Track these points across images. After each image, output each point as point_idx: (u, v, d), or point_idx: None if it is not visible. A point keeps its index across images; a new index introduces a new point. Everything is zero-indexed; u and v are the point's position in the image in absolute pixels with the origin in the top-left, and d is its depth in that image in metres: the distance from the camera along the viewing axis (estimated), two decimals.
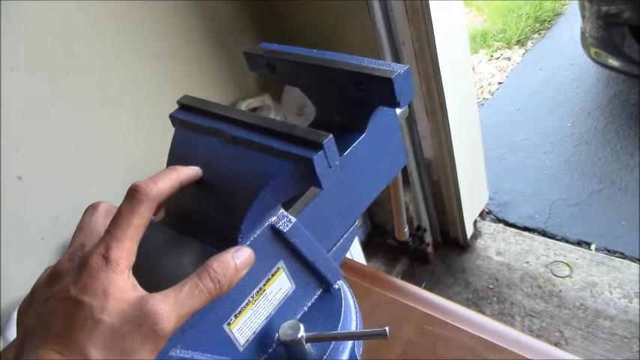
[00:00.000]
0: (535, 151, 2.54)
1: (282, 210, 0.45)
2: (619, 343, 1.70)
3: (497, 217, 2.28)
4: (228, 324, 0.43)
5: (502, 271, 2.05)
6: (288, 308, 0.49)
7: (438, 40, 1.57)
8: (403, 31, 1.59)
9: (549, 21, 3.55)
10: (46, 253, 1.45)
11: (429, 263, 2.17)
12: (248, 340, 0.46)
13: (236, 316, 0.44)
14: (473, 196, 2.10)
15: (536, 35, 3.47)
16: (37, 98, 1.34)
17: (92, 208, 0.43)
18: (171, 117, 0.51)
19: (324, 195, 0.49)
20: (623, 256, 1.95)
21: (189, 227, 0.45)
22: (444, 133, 1.81)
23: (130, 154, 1.58)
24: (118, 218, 0.37)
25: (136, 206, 0.38)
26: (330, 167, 0.42)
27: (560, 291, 1.90)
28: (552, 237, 2.12)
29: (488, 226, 2.25)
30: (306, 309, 0.52)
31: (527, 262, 2.04)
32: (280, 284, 0.47)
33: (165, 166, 0.45)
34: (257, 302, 0.45)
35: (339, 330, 0.50)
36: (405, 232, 0.70)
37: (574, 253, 2.02)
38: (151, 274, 0.41)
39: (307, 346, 0.48)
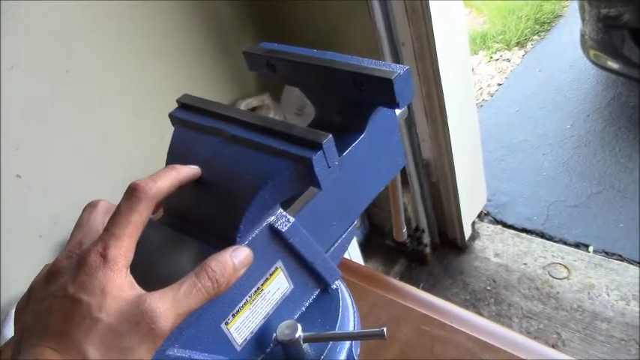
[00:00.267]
0: (534, 152, 2.54)
1: (280, 210, 0.45)
2: (616, 345, 1.70)
3: (495, 219, 2.28)
4: (226, 323, 0.43)
5: (500, 272, 2.05)
6: (285, 308, 0.49)
7: (438, 40, 1.58)
8: (403, 32, 1.59)
9: (549, 23, 3.55)
10: (45, 252, 1.45)
11: (426, 264, 2.17)
12: (246, 339, 0.46)
13: (234, 316, 0.44)
14: (471, 197, 2.10)
15: (535, 37, 3.47)
16: (37, 97, 1.34)
17: (91, 206, 0.43)
18: (171, 116, 0.51)
19: (322, 195, 0.49)
20: (621, 258, 1.96)
21: (188, 226, 0.45)
22: (443, 135, 1.81)
23: (130, 154, 1.58)
24: (116, 216, 0.37)
25: (134, 204, 0.38)
26: (329, 167, 0.42)
27: (558, 293, 1.91)
28: (550, 239, 2.12)
29: (486, 228, 2.25)
30: (303, 309, 0.52)
31: (525, 264, 2.04)
32: (278, 284, 0.47)
33: (164, 165, 0.45)
34: (255, 302, 0.45)
35: (337, 330, 0.50)
36: (403, 233, 0.71)
37: (572, 255, 2.02)
38: (150, 272, 0.41)
39: (305, 346, 0.48)
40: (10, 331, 1.26)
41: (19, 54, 1.28)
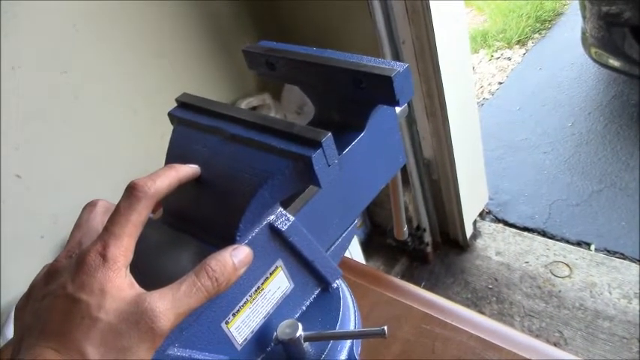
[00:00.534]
0: (535, 151, 2.54)
1: (280, 209, 0.45)
2: (618, 343, 1.70)
3: (496, 217, 2.28)
4: (226, 322, 0.43)
5: (501, 271, 2.05)
6: (286, 307, 0.49)
7: (439, 39, 1.57)
8: (403, 31, 1.59)
9: (550, 21, 3.55)
10: (45, 252, 1.45)
11: (428, 263, 2.17)
12: (246, 338, 0.46)
13: (234, 315, 0.44)
14: (472, 196, 2.10)
15: (536, 35, 3.47)
16: (36, 97, 1.34)
17: (90, 206, 0.43)
18: (170, 115, 0.51)
19: (322, 194, 0.49)
20: (622, 256, 1.95)
21: (188, 225, 0.45)
22: (444, 133, 1.81)
23: (130, 153, 1.58)
24: (115, 216, 0.37)
25: (134, 204, 0.37)
26: (329, 166, 0.41)
27: (560, 291, 1.90)
28: (552, 237, 2.11)
29: (487, 226, 2.25)
30: (304, 308, 0.51)
31: (527, 263, 2.04)
32: (279, 283, 0.47)
33: (164, 164, 0.45)
34: (255, 301, 0.45)
35: (338, 329, 0.50)
36: (404, 232, 0.70)
37: (574, 253, 2.02)
38: (149, 272, 0.40)
39: (305, 345, 0.47)
40: (11, 332, 1.26)
41: (19, 54, 1.28)
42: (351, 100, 0.50)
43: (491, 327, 0.70)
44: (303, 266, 0.49)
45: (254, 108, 1.82)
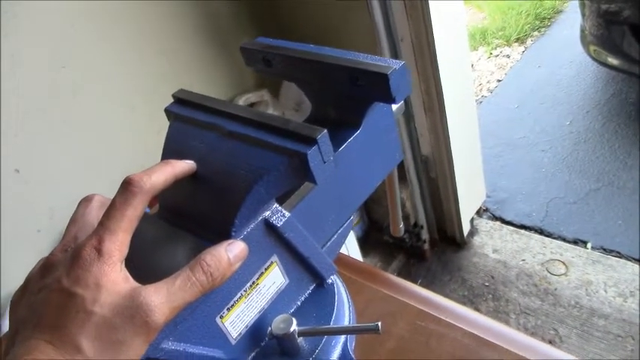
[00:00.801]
0: (533, 149, 2.54)
1: (276, 204, 0.45)
2: (613, 341, 1.70)
3: (494, 215, 2.29)
4: (221, 317, 0.44)
5: (498, 268, 2.05)
6: (281, 302, 0.49)
7: (437, 36, 1.57)
8: (402, 28, 1.59)
9: (549, 19, 3.55)
10: (41, 246, 1.45)
11: (425, 260, 2.18)
12: (240, 333, 0.46)
13: (229, 310, 0.44)
14: (470, 193, 2.10)
15: (535, 33, 3.46)
16: (35, 92, 1.34)
17: (86, 201, 0.44)
18: (167, 110, 0.51)
19: (318, 190, 0.49)
20: (619, 255, 1.96)
21: (183, 221, 0.45)
22: (442, 131, 1.81)
23: (127, 149, 1.58)
24: (111, 210, 0.37)
25: (129, 198, 0.38)
26: (325, 162, 0.42)
27: (556, 289, 1.91)
28: (549, 235, 2.12)
29: (485, 224, 2.25)
30: (299, 303, 0.52)
31: (524, 260, 2.05)
32: (273, 278, 0.47)
33: (160, 160, 0.45)
34: (250, 296, 0.46)
35: (332, 325, 0.51)
36: (400, 229, 0.71)
37: (570, 251, 2.03)
38: (144, 266, 0.41)
39: (300, 340, 0.48)
40: (7, 325, 1.26)
41: (19, 49, 1.28)
42: (347, 97, 0.50)
43: (486, 324, 0.70)
44: (299, 262, 0.50)
45: (252, 104, 1.82)
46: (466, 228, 2.15)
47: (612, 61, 2.35)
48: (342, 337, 0.53)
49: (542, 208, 2.23)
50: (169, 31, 1.59)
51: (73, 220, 0.42)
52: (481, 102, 2.99)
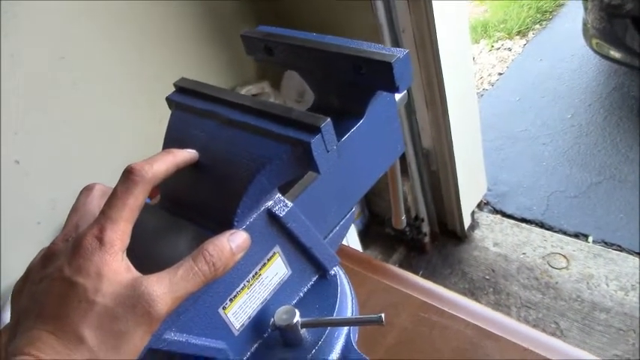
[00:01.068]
0: (534, 142, 2.54)
1: (278, 194, 0.45)
2: (615, 335, 1.70)
3: (494, 208, 2.28)
4: (224, 308, 0.43)
5: (499, 262, 2.05)
6: (283, 293, 0.49)
7: (439, 29, 1.56)
8: (404, 19, 1.58)
9: (551, 12, 3.53)
10: (42, 238, 1.45)
11: (425, 253, 2.18)
12: (243, 324, 0.46)
13: (231, 300, 0.44)
14: (471, 186, 2.10)
15: (537, 26, 3.45)
16: (35, 83, 1.33)
17: (87, 190, 0.43)
18: (168, 99, 0.51)
19: (321, 180, 0.48)
20: (620, 248, 1.96)
21: (185, 210, 0.45)
22: (443, 124, 1.80)
23: (128, 139, 1.58)
24: (112, 199, 0.37)
25: (131, 187, 0.37)
26: (328, 152, 0.41)
27: (557, 283, 1.91)
28: (550, 229, 2.12)
29: (485, 217, 2.25)
30: (301, 294, 0.51)
31: (524, 254, 2.04)
32: (276, 269, 0.47)
33: (161, 149, 0.45)
34: (252, 287, 0.45)
35: (335, 316, 0.50)
36: (402, 220, 0.70)
37: (571, 245, 2.02)
38: (146, 256, 0.40)
39: (302, 331, 0.48)
40: (8, 317, 1.26)
41: (17, 40, 1.27)
42: (350, 86, 0.50)
43: (489, 315, 0.70)
44: (301, 253, 0.49)
45: (253, 96, 1.82)
46: (467, 221, 2.15)
47: (614, 54, 2.35)
48: (345, 329, 0.53)
49: (543, 202, 2.23)
50: (170, 21, 1.58)
51: (75, 209, 0.42)
52: (482, 95, 2.99)
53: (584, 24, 2.48)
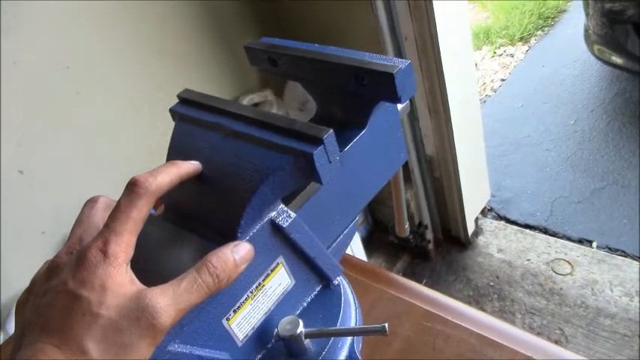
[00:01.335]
0: (537, 148, 2.53)
1: (282, 205, 0.45)
2: (620, 341, 1.70)
3: (498, 215, 2.28)
4: (227, 319, 0.43)
5: (503, 268, 2.04)
6: (287, 304, 0.49)
7: (441, 35, 1.57)
8: (405, 27, 1.59)
9: (553, 18, 3.54)
10: (46, 248, 1.45)
11: (430, 260, 2.17)
12: (247, 335, 0.46)
13: (235, 312, 0.44)
14: (474, 193, 2.10)
15: (539, 32, 3.46)
16: (38, 93, 1.34)
17: (91, 202, 0.43)
18: (172, 111, 0.51)
19: (324, 190, 0.48)
20: (624, 254, 1.95)
21: (189, 222, 0.45)
22: (446, 130, 1.80)
23: (131, 150, 1.58)
24: (116, 212, 0.37)
25: (135, 200, 0.37)
26: (331, 162, 0.41)
27: (561, 289, 1.90)
28: (554, 235, 2.11)
29: (489, 224, 2.24)
30: (305, 305, 0.51)
31: (529, 260, 2.04)
32: (280, 279, 0.47)
33: (165, 161, 0.45)
34: (256, 297, 0.45)
35: (339, 326, 0.50)
36: (405, 228, 0.70)
37: (575, 250, 2.02)
38: (150, 268, 0.40)
39: (306, 341, 0.47)
40: (12, 328, 1.26)
41: (20, 50, 1.28)
42: (352, 97, 0.50)
43: (492, 324, 0.70)
44: (305, 263, 0.49)
45: (256, 105, 1.82)
46: (471, 228, 2.15)
47: (616, 59, 2.35)
48: (349, 339, 0.53)
49: (547, 208, 2.22)
50: (171, 31, 1.59)
51: (78, 222, 0.42)
52: (485, 101, 2.99)
53: (586, 30, 2.49)
